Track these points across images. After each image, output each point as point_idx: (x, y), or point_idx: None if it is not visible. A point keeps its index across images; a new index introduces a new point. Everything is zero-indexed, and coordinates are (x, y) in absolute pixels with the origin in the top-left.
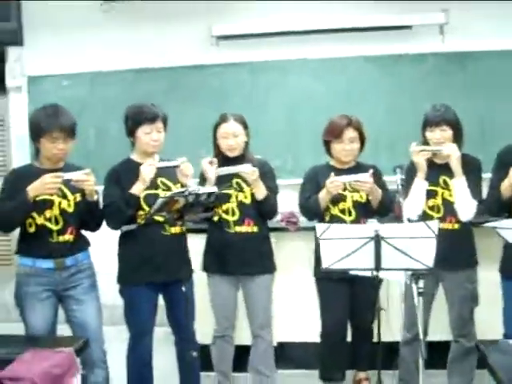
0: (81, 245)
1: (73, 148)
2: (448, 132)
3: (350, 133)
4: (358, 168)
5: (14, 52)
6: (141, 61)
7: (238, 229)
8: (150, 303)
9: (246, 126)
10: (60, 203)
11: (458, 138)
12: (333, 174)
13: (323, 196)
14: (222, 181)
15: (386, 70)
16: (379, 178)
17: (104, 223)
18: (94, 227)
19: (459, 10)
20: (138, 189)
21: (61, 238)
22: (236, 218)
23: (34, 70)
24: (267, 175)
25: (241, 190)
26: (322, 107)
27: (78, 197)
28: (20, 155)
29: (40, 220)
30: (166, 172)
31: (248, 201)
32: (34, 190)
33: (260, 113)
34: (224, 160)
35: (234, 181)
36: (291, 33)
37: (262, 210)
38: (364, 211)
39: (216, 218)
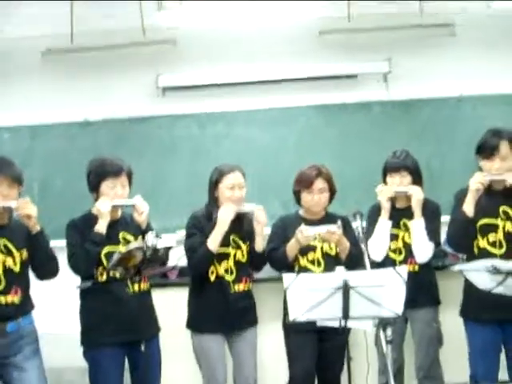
0: (25, 308)
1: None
2: (407, 178)
3: (320, 183)
4: (328, 219)
5: None
6: (85, 113)
7: (237, 287)
8: (117, 365)
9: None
10: (4, 261)
11: (417, 184)
12: (303, 224)
13: (292, 247)
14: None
15: (332, 119)
16: (348, 229)
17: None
18: (50, 271)
19: (402, 58)
20: (100, 226)
21: (3, 300)
22: (234, 276)
23: None
24: None
25: (238, 247)
26: (270, 158)
27: (25, 253)
28: None
29: None
30: (127, 225)
31: (244, 259)
32: None
33: (209, 164)
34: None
35: (231, 238)
36: (237, 84)
37: (259, 264)
38: (333, 262)
39: (213, 278)
